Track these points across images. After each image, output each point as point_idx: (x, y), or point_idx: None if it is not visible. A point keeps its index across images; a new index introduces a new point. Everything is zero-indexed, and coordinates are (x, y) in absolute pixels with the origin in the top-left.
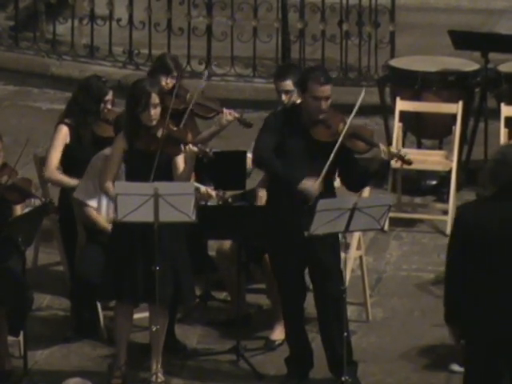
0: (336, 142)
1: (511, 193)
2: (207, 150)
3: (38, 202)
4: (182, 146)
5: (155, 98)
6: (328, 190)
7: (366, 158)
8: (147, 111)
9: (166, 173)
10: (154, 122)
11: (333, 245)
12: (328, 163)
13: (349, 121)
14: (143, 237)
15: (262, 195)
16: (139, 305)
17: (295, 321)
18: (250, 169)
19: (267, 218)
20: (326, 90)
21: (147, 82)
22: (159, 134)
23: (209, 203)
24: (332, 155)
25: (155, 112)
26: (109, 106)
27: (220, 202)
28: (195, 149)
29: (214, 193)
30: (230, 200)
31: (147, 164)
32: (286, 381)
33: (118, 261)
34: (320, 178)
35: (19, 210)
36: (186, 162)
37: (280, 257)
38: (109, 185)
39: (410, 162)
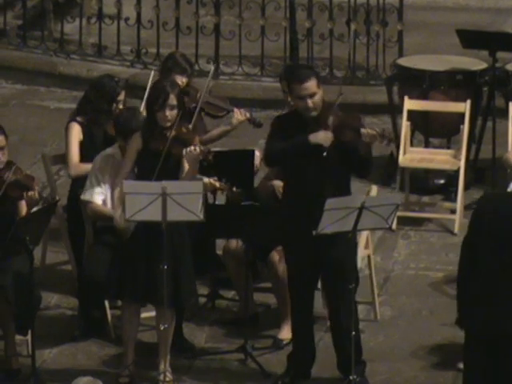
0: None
1: None
2: (209, 154)
3: (35, 196)
4: (185, 148)
5: (173, 100)
6: (343, 189)
7: None
8: (163, 111)
9: (173, 173)
10: (169, 124)
11: (348, 243)
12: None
13: (333, 113)
14: (147, 237)
15: (276, 184)
16: (146, 304)
17: (302, 318)
18: (257, 167)
19: (280, 216)
20: (308, 86)
21: (168, 83)
22: (170, 134)
23: (216, 200)
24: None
25: (171, 113)
26: (120, 106)
27: (225, 192)
28: (198, 151)
29: (217, 183)
30: (234, 189)
31: (157, 164)
32: (280, 377)
33: (123, 260)
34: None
35: (23, 206)
36: (188, 165)
37: (293, 254)
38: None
39: (390, 139)
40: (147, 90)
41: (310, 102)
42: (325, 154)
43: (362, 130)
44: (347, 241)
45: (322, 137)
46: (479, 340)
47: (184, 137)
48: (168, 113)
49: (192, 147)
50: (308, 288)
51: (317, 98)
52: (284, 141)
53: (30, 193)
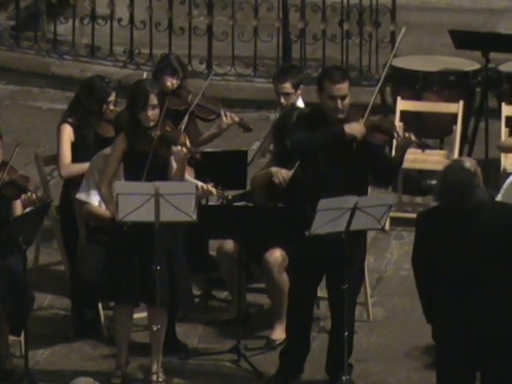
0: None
1: (461, 212)
2: (196, 153)
3: (33, 197)
4: (172, 148)
5: (153, 99)
6: (361, 189)
7: None
8: (145, 112)
9: (161, 173)
10: (152, 123)
11: (360, 244)
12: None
13: (365, 116)
14: (140, 237)
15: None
16: (139, 304)
17: (303, 317)
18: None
19: (290, 217)
20: (341, 88)
21: (147, 83)
22: (155, 135)
23: (209, 201)
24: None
25: (153, 113)
26: (111, 107)
27: (220, 198)
28: (184, 150)
29: (213, 189)
30: (229, 197)
31: (143, 164)
32: (273, 377)
33: (116, 261)
34: (364, 119)
35: (19, 207)
36: (177, 164)
37: (302, 252)
38: (104, 188)
39: (427, 146)
40: None
41: (340, 103)
42: (354, 145)
43: (398, 134)
44: (358, 240)
45: (357, 128)
46: (454, 348)
47: (169, 136)
48: (150, 113)
49: (179, 147)
50: (313, 287)
51: (347, 100)
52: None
53: (28, 194)
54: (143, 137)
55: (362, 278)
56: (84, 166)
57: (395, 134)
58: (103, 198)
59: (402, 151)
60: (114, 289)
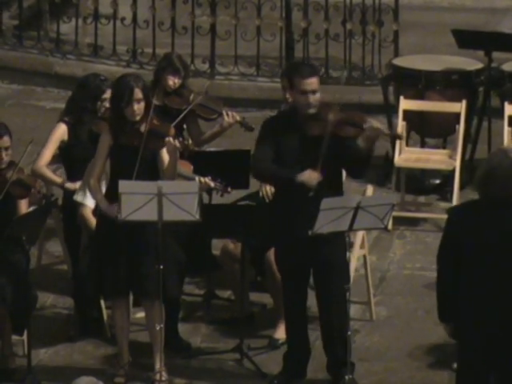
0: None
1: (502, 204)
2: (189, 144)
3: (40, 195)
4: (164, 140)
5: (138, 93)
6: (334, 187)
7: None
8: (130, 106)
9: (151, 167)
10: (138, 118)
11: (339, 242)
12: (322, 151)
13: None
14: (128, 232)
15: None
16: (139, 304)
17: (295, 317)
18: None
19: (272, 215)
20: (311, 82)
21: (131, 78)
22: (143, 128)
23: (212, 199)
24: (323, 145)
25: (138, 107)
26: (106, 104)
27: (220, 191)
28: (176, 143)
29: (211, 182)
30: (229, 189)
31: (132, 159)
32: (276, 377)
33: (102, 256)
34: (318, 168)
35: (23, 206)
36: (169, 156)
37: (285, 254)
38: (93, 183)
39: (399, 137)
40: None
41: (311, 98)
42: (311, 194)
43: (367, 124)
44: (338, 239)
45: (307, 177)
46: (477, 346)
47: (158, 129)
48: (136, 107)
49: (171, 139)
50: (300, 287)
51: (317, 95)
52: (273, 147)
53: (33, 190)
54: (130, 131)
55: (349, 276)
56: (52, 178)
57: (365, 126)
58: (91, 192)
59: (370, 141)
60: (100, 284)
